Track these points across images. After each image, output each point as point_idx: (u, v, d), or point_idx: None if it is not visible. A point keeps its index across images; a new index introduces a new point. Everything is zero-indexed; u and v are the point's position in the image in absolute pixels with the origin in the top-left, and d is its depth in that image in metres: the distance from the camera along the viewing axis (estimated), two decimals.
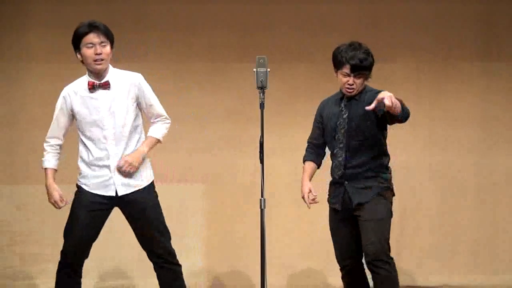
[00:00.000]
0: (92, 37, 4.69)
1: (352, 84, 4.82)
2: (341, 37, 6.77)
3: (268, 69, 4.86)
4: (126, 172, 4.70)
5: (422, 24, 6.78)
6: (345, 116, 4.85)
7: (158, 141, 4.86)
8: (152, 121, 4.88)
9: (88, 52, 4.69)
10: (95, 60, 4.68)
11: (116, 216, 4.87)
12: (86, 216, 4.74)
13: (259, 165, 4.88)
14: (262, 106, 4.90)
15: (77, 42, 4.72)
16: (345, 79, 4.83)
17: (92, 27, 4.69)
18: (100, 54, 4.68)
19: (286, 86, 6.73)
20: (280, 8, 6.80)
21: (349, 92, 4.84)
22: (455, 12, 6.83)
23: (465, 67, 6.79)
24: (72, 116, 4.80)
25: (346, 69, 4.81)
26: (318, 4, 6.80)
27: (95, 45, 4.68)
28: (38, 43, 6.71)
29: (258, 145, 4.88)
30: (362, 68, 4.80)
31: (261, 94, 4.89)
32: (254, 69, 4.86)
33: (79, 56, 4.74)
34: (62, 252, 4.80)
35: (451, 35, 6.73)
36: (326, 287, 6.75)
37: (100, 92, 4.74)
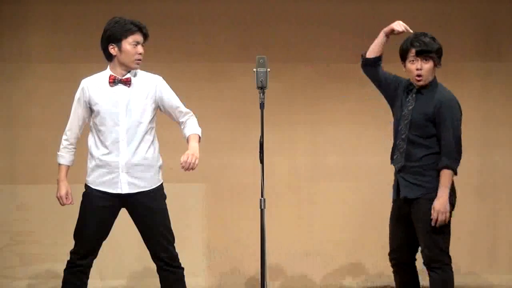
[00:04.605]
0: (139, 37, 4.77)
1: (420, 69, 4.76)
2: (341, 36, 6.81)
3: (268, 69, 4.86)
4: (192, 164, 4.66)
5: (422, 24, 6.77)
6: (410, 107, 4.80)
7: (199, 137, 4.88)
8: (181, 120, 4.89)
9: (132, 49, 4.74)
10: (137, 59, 4.77)
11: (117, 216, 4.88)
12: (95, 218, 4.77)
13: (259, 165, 4.88)
14: (262, 106, 4.91)
15: (119, 36, 4.74)
16: (413, 66, 4.78)
17: (141, 27, 4.78)
18: (141, 54, 4.77)
19: (286, 86, 6.73)
20: (281, 8, 6.80)
21: (418, 81, 4.78)
22: (455, 12, 6.83)
23: (465, 67, 6.80)
24: (90, 109, 4.82)
25: (412, 54, 4.77)
26: (319, 3, 6.80)
27: (139, 44, 4.76)
28: (38, 43, 6.71)
29: (258, 145, 4.88)
30: (428, 51, 4.75)
31: (261, 94, 4.90)
32: (254, 69, 4.87)
33: (112, 49, 4.75)
34: (72, 252, 4.83)
35: (451, 35, 6.73)
36: (326, 287, 6.75)
37: (120, 87, 4.78)
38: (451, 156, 4.71)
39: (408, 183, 4.79)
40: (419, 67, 4.79)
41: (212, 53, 6.76)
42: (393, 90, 4.93)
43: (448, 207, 4.69)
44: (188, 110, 4.91)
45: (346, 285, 6.75)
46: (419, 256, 4.89)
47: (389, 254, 4.97)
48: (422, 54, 4.78)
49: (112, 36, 4.75)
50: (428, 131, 4.75)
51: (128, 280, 6.68)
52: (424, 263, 4.80)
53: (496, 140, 6.83)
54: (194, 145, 4.78)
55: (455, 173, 4.75)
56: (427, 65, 4.79)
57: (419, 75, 4.79)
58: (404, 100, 4.85)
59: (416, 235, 4.81)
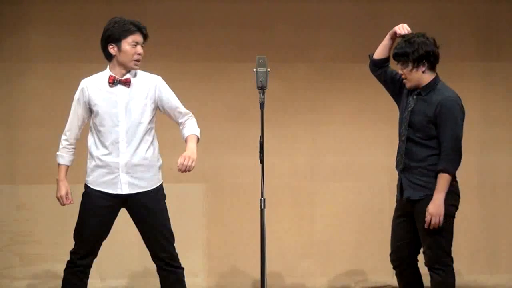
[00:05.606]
0: (138, 37, 4.77)
1: (402, 74, 4.81)
2: (341, 36, 6.81)
3: (268, 69, 4.86)
4: (189, 166, 4.65)
5: (422, 24, 6.76)
6: (409, 109, 4.79)
7: (198, 138, 4.87)
8: (180, 121, 4.89)
9: (131, 50, 4.74)
10: (136, 59, 4.77)
11: (117, 216, 4.88)
12: (95, 218, 4.77)
13: (259, 165, 4.88)
14: (262, 106, 4.90)
15: (119, 36, 4.73)
16: (399, 70, 4.86)
17: (140, 28, 4.77)
18: (140, 54, 4.77)
19: (286, 86, 6.73)
20: (280, 8, 6.80)
21: (405, 84, 4.82)
22: (455, 12, 6.83)
23: (465, 67, 6.80)
24: (89, 109, 4.82)
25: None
26: (318, 3, 6.80)
27: (138, 45, 4.76)
28: (38, 43, 6.70)
29: (258, 145, 4.88)
30: (397, 55, 4.78)
31: (261, 94, 4.89)
32: (254, 69, 4.86)
33: (112, 49, 4.75)
34: (72, 252, 4.84)
35: (451, 35, 6.73)
36: (326, 287, 6.75)
37: (119, 88, 4.77)
38: (449, 159, 4.69)
39: (412, 184, 4.78)
40: (400, 71, 4.84)
41: (212, 53, 6.76)
42: (398, 92, 4.94)
43: (442, 211, 4.67)
44: (187, 111, 4.91)
45: (346, 285, 6.75)
46: (421, 257, 4.90)
47: (391, 254, 4.96)
48: (395, 58, 4.82)
49: (112, 36, 4.75)
50: (429, 132, 4.74)
51: (128, 280, 6.68)
52: (426, 264, 4.80)
53: (496, 140, 6.83)
54: (191, 146, 4.78)
55: (453, 176, 4.74)
56: (406, 69, 4.80)
57: (404, 78, 4.83)
58: (406, 102, 4.86)
59: (419, 235, 4.81)
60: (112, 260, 6.46)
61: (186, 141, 4.84)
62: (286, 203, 6.75)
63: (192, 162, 4.67)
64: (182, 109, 4.90)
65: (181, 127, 4.90)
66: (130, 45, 4.75)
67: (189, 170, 4.68)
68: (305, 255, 6.78)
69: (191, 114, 4.92)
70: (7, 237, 6.69)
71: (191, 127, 4.87)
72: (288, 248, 6.74)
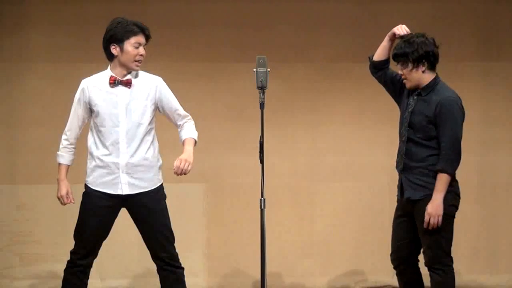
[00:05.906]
0: (141, 38, 4.77)
1: (402, 75, 4.82)
2: (341, 36, 6.81)
3: (268, 69, 4.86)
4: (185, 170, 4.66)
5: (422, 24, 6.77)
6: (410, 110, 4.80)
7: (195, 141, 4.88)
8: (179, 123, 4.90)
9: (134, 51, 4.74)
10: (137, 60, 4.76)
11: (117, 216, 4.88)
12: (95, 218, 4.77)
13: (259, 165, 4.88)
14: (262, 106, 4.91)
15: (121, 37, 4.73)
16: (399, 70, 4.87)
17: (143, 29, 4.78)
18: (142, 55, 4.77)
19: (286, 86, 6.73)
20: (280, 8, 6.80)
21: (405, 84, 4.83)
22: (455, 12, 6.83)
23: (465, 67, 6.80)
24: (90, 109, 4.82)
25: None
26: (318, 3, 6.80)
27: (141, 46, 4.76)
28: (38, 43, 6.71)
29: (258, 145, 4.88)
30: (397, 56, 4.79)
31: (261, 94, 4.90)
32: (254, 69, 4.87)
33: (114, 49, 4.75)
34: (72, 252, 4.84)
35: (451, 35, 6.73)
36: (326, 287, 6.75)
37: (120, 88, 4.77)
38: (448, 159, 4.69)
39: (412, 184, 4.79)
40: (400, 71, 4.85)
41: (212, 53, 6.76)
42: (398, 93, 4.95)
43: (440, 211, 4.67)
44: (186, 114, 4.91)
45: (346, 285, 6.75)
46: (421, 257, 4.91)
47: (391, 254, 4.96)
48: (395, 59, 4.83)
49: (114, 36, 4.75)
50: (429, 133, 4.75)
51: (128, 280, 6.69)
52: (426, 264, 4.80)
53: (496, 140, 6.83)
54: (188, 149, 4.79)
55: (452, 176, 4.74)
56: (406, 70, 4.80)
57: (404, 79, 4.84)
58: (406, 103, 4.86)
59: (419, 235, 4.81)
60: (112, 260, 6.46)
61: (183, 143, 4.85)
62: (286, 203, 6.75)
63: (188, 165, 4.69)
64: (182, 111, 4.90)
65: (179, 130, 4.90)
66: (133, 46, 4.75)
67: (185, 173, 4.69)
68: (305, 255, 6.78)
69: (190, 117, 4.93)
70: (7, 237, 6.69)
71: (189, 130, 4.88)
72: (288, 248, 6.75)
